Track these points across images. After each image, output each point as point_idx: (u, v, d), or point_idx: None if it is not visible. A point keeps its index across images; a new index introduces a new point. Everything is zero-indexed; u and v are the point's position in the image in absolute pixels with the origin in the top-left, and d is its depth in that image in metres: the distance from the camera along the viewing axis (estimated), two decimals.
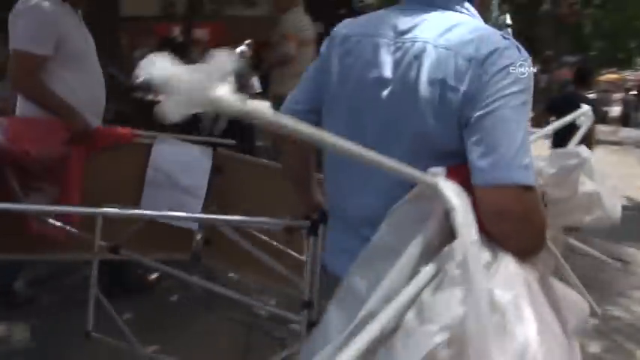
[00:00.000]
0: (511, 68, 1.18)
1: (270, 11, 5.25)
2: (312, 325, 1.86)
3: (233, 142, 3.52)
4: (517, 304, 0.99)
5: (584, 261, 2.41)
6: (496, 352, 0.92)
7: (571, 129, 1.84)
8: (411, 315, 0.98)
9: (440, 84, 1.20)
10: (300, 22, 4.94)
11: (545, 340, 0.98)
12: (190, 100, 0.80)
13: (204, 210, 3.02)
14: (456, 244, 0.99)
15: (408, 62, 1.26)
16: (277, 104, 4.58)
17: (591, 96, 7.01)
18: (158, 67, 0.81)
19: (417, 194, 1.11)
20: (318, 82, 1.48)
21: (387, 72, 1.30)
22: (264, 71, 6.29)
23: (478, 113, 1.16)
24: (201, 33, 10.85)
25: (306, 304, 1.92)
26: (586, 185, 1.42)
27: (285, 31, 4.82)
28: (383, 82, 1.30)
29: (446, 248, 1.02)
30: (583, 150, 1.44)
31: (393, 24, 1.34)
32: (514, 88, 1.16)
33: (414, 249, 1.05)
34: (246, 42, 12.25)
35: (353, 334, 0.99)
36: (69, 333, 2.86)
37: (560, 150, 1.45)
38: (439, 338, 0.93)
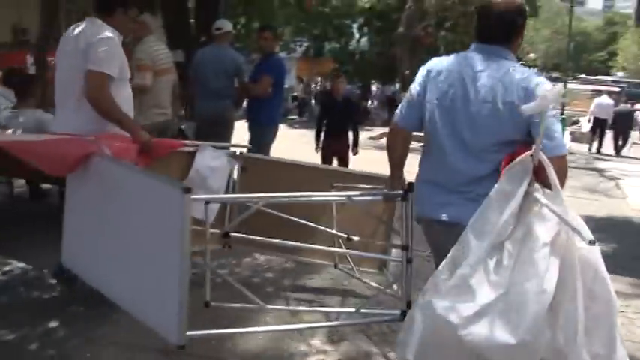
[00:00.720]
0: (553, 105, 2.11)
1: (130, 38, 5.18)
2: (409, 261, 2.84)
3: (249, 145, 4.53)
4: (574, 217, 2.00)
5: None
6: (574, 242, 1.97)
7: None
8: (520, 231, 2.02)
9: (510, 104, 2.22)
10: (155, 51, 4.88)
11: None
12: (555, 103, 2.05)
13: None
14: (542, 186, 2.08)
15: (486, 90, 2.27)
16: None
17: None
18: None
19: (518, 162, 2.11)
20: (422, 99, 2.44)
21: (472, 94, 2.30)
22: None
23: (537, 120, 2.11)
24: None
25: (405, 247, 2.85)
26: None
27: (138, 62, 4.75)
28: (468, 100, 2.31)
29: (536, 190, 2.07)
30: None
31: (472, 64, 2.35)
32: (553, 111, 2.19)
33: (521, 191, 2.06)
34: None
35: (492, 241, 2.03)
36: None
37: None
38: (549, 237, 1.95)
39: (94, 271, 2.97)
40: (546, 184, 2.08)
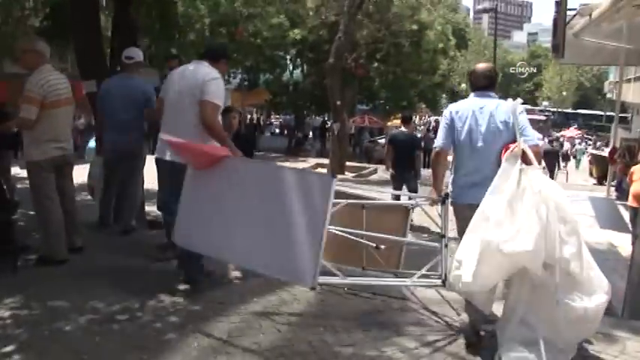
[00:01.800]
0: (521, 111, 3.70)
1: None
2: (446, 245, 4.00)
3: None
4: (554, 184, 3.61)
5: None
6: (550, 193, 3.40)
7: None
8: (520, 190, 3.40)
9: (505, 123, 3.73)
10: (48, 82, 4.53)
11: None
12: None
13: None
14: (531, 167, 3.48)
15: (488, 117, 3.77)
16: (33, 171, 4.13)
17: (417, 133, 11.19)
18: None
19: (513, 154, 3.49)
20: (452, 130, 3.85)
21: (481, 121, 3.78)
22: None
23: (519, 126, 3.61)
24: None
25: (442, 236, 4.02)
26: None
27: (26, 92, 4.38)
28: (480, 124, 3.78)
29: (524, 167, 3.47)
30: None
31: (477, 103, 3.86)
32: (524, 116, 3.73)
33: (516, 168, 3.43)
34: None
35: (506, 198, 3.39)
36: None
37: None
38: (537, 191, 3.34)
39: (221, 245, 3.86)
40: (527, 162, 3.44)
